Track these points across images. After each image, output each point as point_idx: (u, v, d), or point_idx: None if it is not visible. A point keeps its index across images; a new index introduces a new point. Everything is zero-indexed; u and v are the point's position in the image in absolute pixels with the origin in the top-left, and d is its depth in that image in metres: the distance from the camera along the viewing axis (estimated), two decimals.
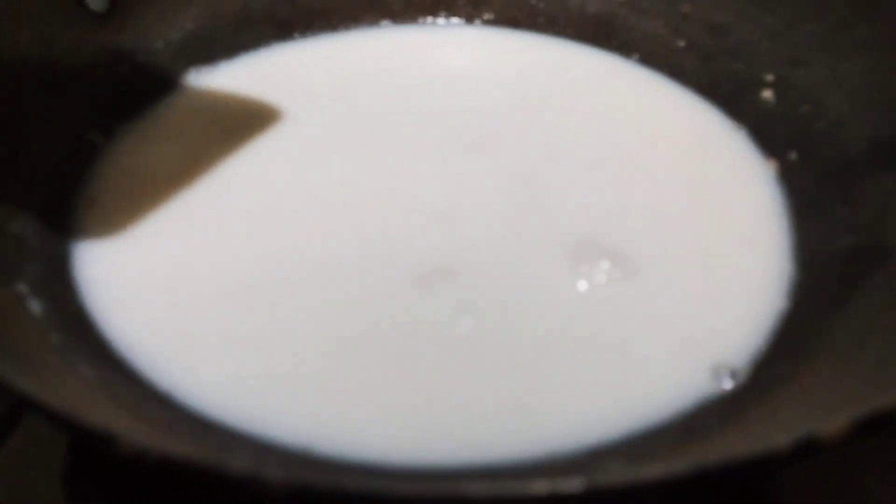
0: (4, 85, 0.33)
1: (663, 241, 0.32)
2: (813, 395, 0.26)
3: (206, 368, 0.28)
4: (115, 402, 0.26)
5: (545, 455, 0.26)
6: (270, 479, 0.18)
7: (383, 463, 0.26)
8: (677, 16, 0.41)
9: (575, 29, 0.42)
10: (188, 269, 0.31)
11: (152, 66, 0.38)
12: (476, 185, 0.34)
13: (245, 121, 0.37)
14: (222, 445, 0.25)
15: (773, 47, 0.38)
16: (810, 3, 0.37)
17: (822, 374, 0.27)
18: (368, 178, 0.35)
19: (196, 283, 0.31)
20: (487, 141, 0.36)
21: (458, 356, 0.28)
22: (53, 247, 0.31)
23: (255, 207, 0.34)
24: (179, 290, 0.31)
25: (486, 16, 0.43)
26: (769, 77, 0.38)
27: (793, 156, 0.35)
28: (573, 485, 0.18)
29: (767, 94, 0.37)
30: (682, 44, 0.40)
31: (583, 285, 0.30)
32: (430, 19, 0.43)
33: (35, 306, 0.28)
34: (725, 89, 0.38)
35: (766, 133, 0.37)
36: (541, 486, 0.18)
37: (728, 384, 0.28)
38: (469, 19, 0.43)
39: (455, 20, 0.43)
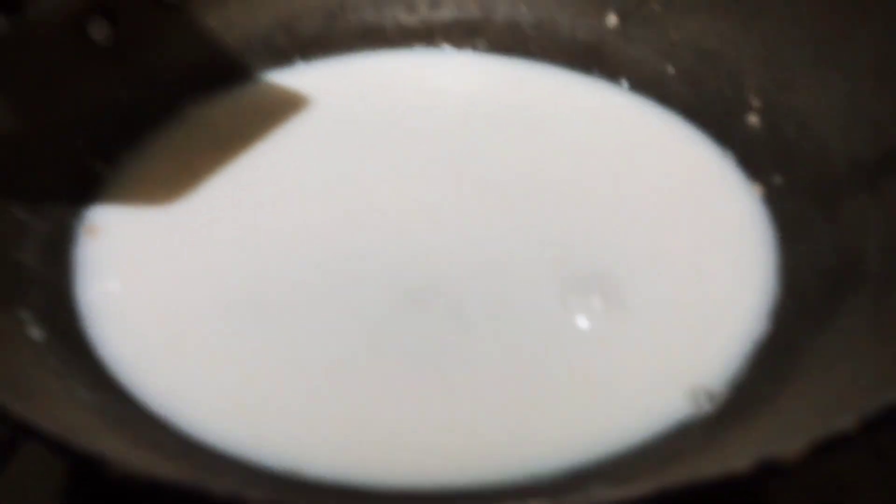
0: (8, 113, 0.34)
1: (647, 265, 0.33)
2: (789, 417, 0.27)
3: (199, 392, 0.29)
4: (111, 425, 0.27)
5: (526, 477, 0.26)
6: (251, 501, 0.19)
7: (369, 485, 0.26)
8: (666, 42, 0.41)
9: (566, 56, 0.42)
10: (184, 294, 0.32)
11: (153, 95, 0.40)
12: (466, 208, 0.35)
13: (242, 147, 0.38)
14: (212, 467, 0.26)
15: (759, 73, 0.39)
16: (795, 31, 0.38)
17: (799, 396, 0.28)
18: (361, 199, 0.36)
19: (191, 308, 0.32)
20: (478, 165, 0.37)
21: (441, 379, 0.29)
22: (55, 273, 0.32)
23: (251, 233, 0.35)
24: (175, 316, 0.32)
25: (480, 43, 0.44)
26: (755, 102, 0.38)
27: (778, 179, 0.36)
28: None
29: (754, 118, 0.38)
30: (670, 70, 0.41)
31: (567, 309, 0.31)
32: (424, 46, 0.44)
33: (35, 332, 0.29)
34: (713, 114, 0.39)
35: (752, 156, 0.37)
36: None
37: (707, 407, 0.29)
38: (463, 47, 0.44)
39: (449, 47, 0.44)
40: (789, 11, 0.38)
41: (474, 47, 0.44)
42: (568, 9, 0.43)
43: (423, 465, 0.27)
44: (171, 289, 0.33)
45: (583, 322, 0.31)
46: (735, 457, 0.25)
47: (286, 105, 0.41)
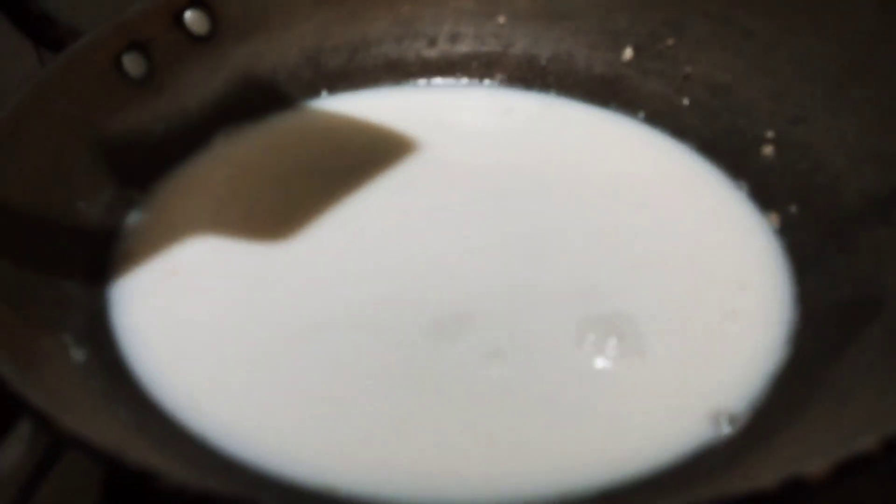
0: (52, 148, 0.35)
1: (666, 294, 0.34)
2: (810, 440, 0.27)
3: (235, 412, 0.30)
4: (150, 443, 0.28)
5: (555, 498, 0.27)
6: None
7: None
8: (680, 76, 0.42)
9: (582, 89, 0.43)
10: (218, 317, 0.33)
11: (186, 126, 0.41)
12: (483, 240, 0.36)
13: (272, 176, 0.40)
14: (249, 485, 0.27)
15: (773, 106, 0.39)
16: (808, 66, 0.39)
17: (818, 420, 0.28)
18: (386, 231, 0.37)
19: (225, 330, 0.33)
20: (497, 196, 0.38)
21: (472, 403, 0.30)
22: (95, 298, 0.33)
23: (283, 257, 0.35)
24: (210, 338, 0.32)
25: (499, 76, 0.45)
26: (769, 134, 0.39)
27: (793, 210, 0.37)
28: None
29: (768, 150, 0.39)
30: (685, 102, 0.42)
31: (586, 342, 0.32)
32: (445, 80, 0.45)
33: (78, 355, 0.30)
34: (727, 146, 0.40)
35: (767, 188, 0.38)
36: None
37: (728, 430, 0.29)
38: (482, 79, 0.45)
39: (468, 80, 0.45)
40: (801, 47, 0.39)
41: (493, 80, 0.45)
42: (584, 43, 0.44)
43: (453, 486, 0.28)
44: (206, 313, 0.34)
45: (604, 351, 0.32)
46: (759, 477, 0.25)
47: (314, 137, 0.42)
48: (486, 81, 0.45)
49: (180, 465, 0.27)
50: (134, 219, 0.37)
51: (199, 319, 0.33)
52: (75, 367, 0.30)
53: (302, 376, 0.31)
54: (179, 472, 0.25)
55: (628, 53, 0.43)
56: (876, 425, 0.25)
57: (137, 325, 0.33)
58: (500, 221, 0.37)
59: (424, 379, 0.31)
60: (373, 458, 0.29)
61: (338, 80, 0.44)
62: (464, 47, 0.45)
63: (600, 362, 0.31)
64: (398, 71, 0.45)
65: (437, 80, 0.45)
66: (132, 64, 0.39)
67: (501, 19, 0.45)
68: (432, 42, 0.45)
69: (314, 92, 0.44)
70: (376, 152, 0.41)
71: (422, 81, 0.45)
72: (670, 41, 0.43)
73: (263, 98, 0.43)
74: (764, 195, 0.38)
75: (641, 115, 0.42)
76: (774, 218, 0.37)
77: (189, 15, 0.41)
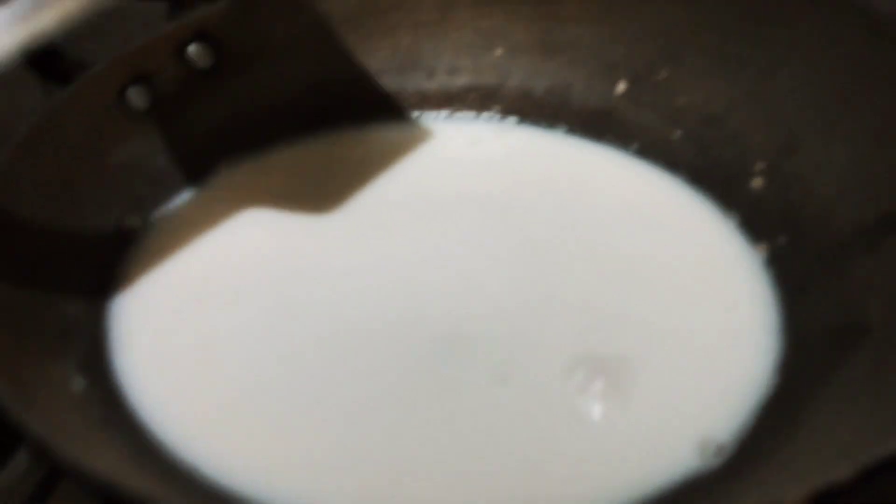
0: (55, 179, 0.36)
1: (655, 323, 0.34)
2: (794, 467, 0.28)
3: (232, 443, 0.30)
4: (147, 472, 0.28)
5: None
6: None
7: None
8: (672, 108, 0.42)
9: (577, 121, 0.44)
10: (217, 348, 0.34)
11: (189, 157, 0.41)
12: (477, 269, 0.37)
13: (273, 206, 0.40)
14: None
15: (764, 136, 0.40)
16: (799, 96, 0.39)
17: (804, 449, 0.29)
18: (385, 261, 0.37)
19: (223, 361, 0.33)
20: (491, 228, 0.39)
21: (458, 428, 0.31)
22: (96, 328, 0.34)
23: (284, 288, 0.36)
24: (208, 368, 0.33)
25: (495, 109, 0.46)
26: (760, 165, 0.39)
27: (782, 240, 0.37)
28: None
29: (758, 181, 0.39)
30: (677, 134, 0.42)
31: (577, 372, 0.32)
32: (442, 113, 0.46)
33: (77, 383, 0.31)
34: (719, 177, 0.40)
35: (756, 218, 0.38)
36: None
37: (715, 459, 0.30)
38: (479, 112, 0.46)
39: (464, 114, 0.46)
40: (793, 78, 0.39)
41: (490, 112, 0.46)
42: (579, 76, 0.44)
43: None
44: (203, 341, 0.34)
45: (592, 381, 0.32)
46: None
47: (315, 168, 0.43)
48: (484, 114, 0.45)
49: (177, 495, 0.27)
50: (136, 248, 0.38)
51: (198, 349, 0.34)
52: (74, 395, 0.30)
53: (299, 408, 0.31)
54: (176, 502, 0.26)
55: (622, 86, 0.44)
56: (856, 453, 0.25)
57: (136, 354, 0.33)
58: (493, 251, 0.38)
59: (430, 400, 0.31)
60: (371, 490, 0.29)
61: (338, 113, 0.45)
62: (462, 80, 0.46)
63: (588, 391, 0.32)
64: (397, 102, 0.46)
65: (435, 113, 0.46)
66: (137, 96, 0.40)
67: (499, 52, 0.46)
68: (431, 75, 0.46)
69: (316, 124, 0.44)
70: (378, 182, 0.41)
71: (420, 113, 0.46)
72: (664, 73, 0.43)
73: (265, 130, 0.44)
74: (754, 224, 0.38)
75: (634, 147, 0.43)
76: (763, 248, 0.37)
77: (193, 48, 0.42)
